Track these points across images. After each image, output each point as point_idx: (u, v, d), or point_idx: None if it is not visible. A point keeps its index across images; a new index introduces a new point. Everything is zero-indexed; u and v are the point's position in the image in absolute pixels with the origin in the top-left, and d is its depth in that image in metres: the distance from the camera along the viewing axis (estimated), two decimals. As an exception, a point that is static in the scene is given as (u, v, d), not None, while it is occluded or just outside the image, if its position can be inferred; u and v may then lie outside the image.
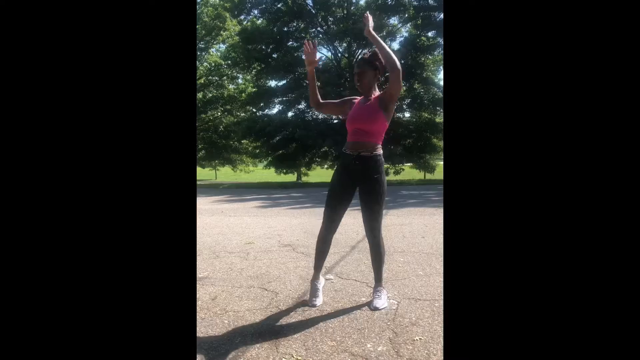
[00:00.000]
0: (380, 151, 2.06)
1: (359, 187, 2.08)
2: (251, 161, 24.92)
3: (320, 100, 2.19)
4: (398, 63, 1.93)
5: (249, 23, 17.79)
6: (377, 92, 2.10)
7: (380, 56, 1.99)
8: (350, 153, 2.05)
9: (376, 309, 2.05)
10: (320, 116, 18.06)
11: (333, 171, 2.17)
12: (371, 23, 2.01)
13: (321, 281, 2.25)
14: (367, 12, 2.08)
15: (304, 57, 2.12)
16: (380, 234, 2.14)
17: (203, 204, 8.03)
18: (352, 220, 5.35)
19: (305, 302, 2.17)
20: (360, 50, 16.98)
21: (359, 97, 2.14)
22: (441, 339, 1.69)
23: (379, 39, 1.97)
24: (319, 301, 2.12)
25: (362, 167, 2.02)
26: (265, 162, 19.84)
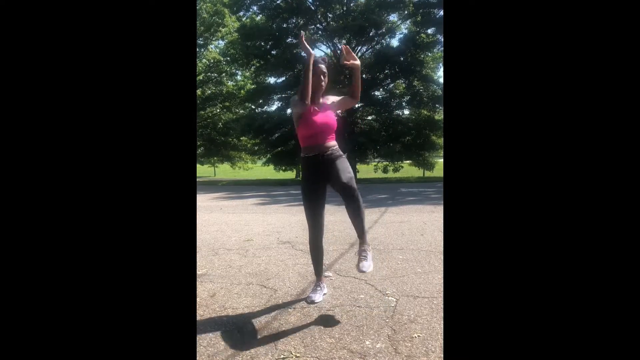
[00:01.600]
0: (337, 146, 2.12)
1: (329, 177, 2.02)
2: (250, 158, 24.87)
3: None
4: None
5: (248, 19, 17.72)
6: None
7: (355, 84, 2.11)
8: (313, 155, 2.05)
9: (362, 270, 1.95)
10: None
11: (301, 179, 2.15)
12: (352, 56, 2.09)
13: (324, 285, 2.24)
14: (344, 44, 2.18)
15: (303, 54, 2.13)
16: (354, 185, 1.98)
17: (202, 201, 8.03)
18: (349, 218, 5.31)
19: (304, 300, 2.17)
20: (359, 47, 16.95)
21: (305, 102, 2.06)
22: (439, 336, 1.70)
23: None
24: (317, 298, 2.12)
25: (329, 160, 2.03)
26: (264, 159, 19.82)
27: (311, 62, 2.02)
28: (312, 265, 2.23)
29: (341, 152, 2.10)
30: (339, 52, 17.75)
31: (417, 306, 2.06)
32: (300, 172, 2.20)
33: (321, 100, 2.13)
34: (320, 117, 2.06)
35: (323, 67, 2.08)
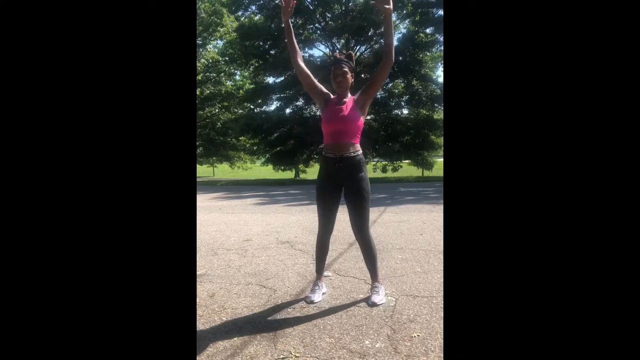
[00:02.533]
0: (360, 150, 2.09)
1: (344, 188, 2.09)
2: (249, 158, 24.84)
3: (302, 63, 2.09)
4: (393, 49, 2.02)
5: (246, 19, 17.70)
6: (349, 94, 2.11)
7: (388, 41, 2.02)
8: (332, 156, 2.05)
9: (374, 304, 2.05)
10: (319, 113, 18.01)
11: (317, 176, 2.15)
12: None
13: (323, 285, 2.25)
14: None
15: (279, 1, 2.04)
16: (369, 232, 2.14)
17: (201, 201, 8.02)
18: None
19: (304, 300, 2.17)
20: (358, 47, 16.94)
21: (333, 96, 2.12)
22: (439, 336, 1.70)
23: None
24: (316, 298, 2.12)
25: (346, 168, 2.03)
26: (263, 159, 19.79)
27: (286, 21, 2.03)
28: (311, 265, 2.24)
29: (361, 161, 2.06)
30: (337, 51, 17.77)
31: (417, 306, 2.06)
32: (319, 169, 2.18)
33: (347, 98, 2.08)
34: (337, 116, 2.03)
35: (342, 67, 2.05)
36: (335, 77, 2.07)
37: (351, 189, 2.06)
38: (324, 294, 2.20)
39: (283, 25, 2.06)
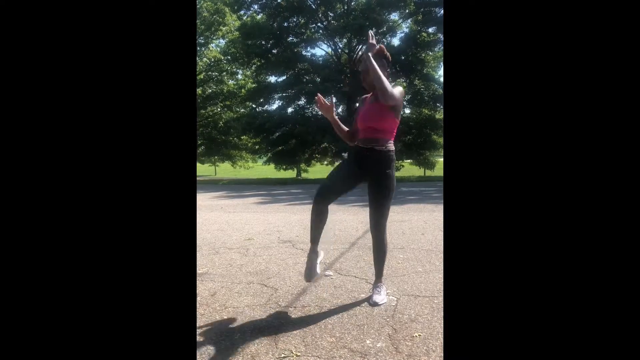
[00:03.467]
0: (392, 147, 2.05)
1: (368, 180, 2.05)
2: (251, 157, 24.85)
3: (350, 132, 2.15)
4: (387, 91, 1.88)
5: (248, 18, 17.69)
6: None
7: (379, 55, 2.04)
8: (362, 146, 2.03)
9: (376, 304, 2.05)
10: (320, 112, 18.00)
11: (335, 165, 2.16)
12: (373, 43, 2.03)
13: (319, 255, 2.11)
14: (371, 32, 2.11)
15: (318, 110, 2.14)
16: (385, 230, 2.12)
17: (202, 200, 8.03)
18: (352, 217, 5.37)
19: (305, 300, 2.17)
20: (360, 46, 16.91)
21: (367, 95, 2.13)
22: (440, 336, 1.70)
23: (375, 66, 1.92)
24: (313, 275, 2.06)
25: (374, 160, 2.00)
26: (264, 158, 19.80)
27: (334, 118, 2.09)
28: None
29: (391, 159, 2.01)
30: (339, 50, 17.75)
31: (418, 305, 2.05)
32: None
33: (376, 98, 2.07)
34: (363, 115, 2.05)
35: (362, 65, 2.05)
36: (361, 75, 2.07)
37: (376, 183, 2.02)
38: (320, 261, 2.10)
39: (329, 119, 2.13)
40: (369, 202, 2.09)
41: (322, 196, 2.05)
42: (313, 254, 2.09)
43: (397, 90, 1.97)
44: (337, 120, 2.12)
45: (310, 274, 2.08)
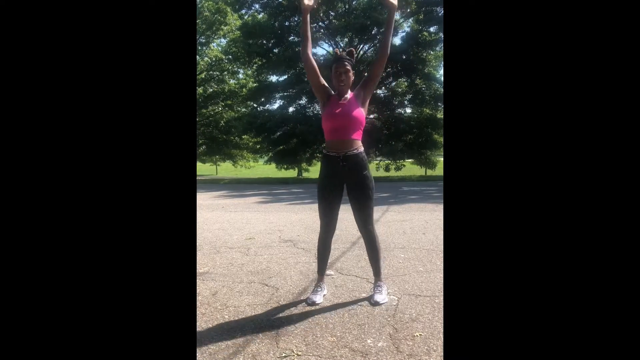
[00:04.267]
0: (362, 147, 2.08)
1: (347, 186, 2.08)
2: (252, 157, 24.88)
3: (311, 56, 2.09)
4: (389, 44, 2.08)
5: (250, 17, 17.69)
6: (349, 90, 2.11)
7: (387, 36, 2.08)
8: (335, 155, 2.03)
9: (377, 303, 2.05)
10: (320, 111, 17.96)
11: (319, 175, 2.14)
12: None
13: (324, 286, 2.24)
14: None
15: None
16: (374, 228, 2.13)
17: (204, 199, 8.03)
18: (352, 216, 5.31)
19: (305, 301, 2.17)
20: (361, 46, 16.90)
21: (334, 92, 2.12)
22: (441, 335, 1.70)
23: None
24: (317, 299, 2.12)
25: (350, 167, 2.02)
26: (266, 158, 19.80)
27: (306, 17, 2.04)
28: (313, 264, 2.24)
29: (363, 159, 2.05)
30: (340, 50, 17.73)
31: (419, 305, 2.05)
32: (320, 169, 2.17)
33: (348, 94, 2.08)
34: (340, 112, 2.02)
35: (345, 65, 2.06)
36: (338, 75, 2.06)
37: (356, 188, 2.05)
38: (324, 295, 2.20)
39: (302, 12, 2.06)
40: (351, 206, 2.10)
41: (328, 229, 2.15)
42: (319, 288, 2.20)
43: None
44: (308, 21, 2.06)
45: (315, 297, 2.13)
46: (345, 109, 2.02)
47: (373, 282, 2.23)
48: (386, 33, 2.08)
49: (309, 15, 2.05)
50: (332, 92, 2.12)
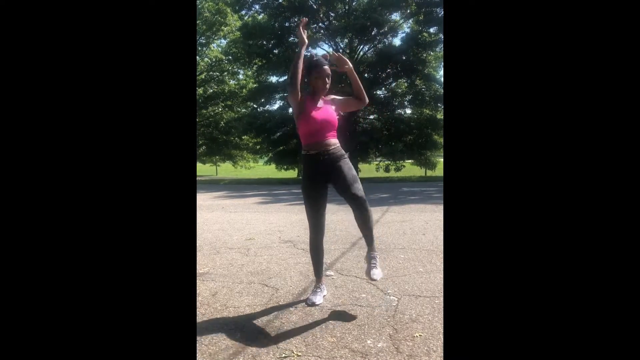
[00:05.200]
0: (338, 142, 2.11)
1: (331, 177, 2.04)
2: (252, 157, 24.88)
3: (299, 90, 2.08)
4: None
5: (250, 18, 17.69)
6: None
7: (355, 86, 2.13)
8: (315, 152, 2.04)
9: (374, 279, 2.01)
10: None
11: (302, 177, 2.13)
12: (347, 63, 2.10)
13: (324, 287, 2.24)
14: (339, 53, 2.15)
15: (297, 39, 2.10)
16: (363, 194, 2.01)
17: (204, 199, 8.03)
18: (351, 217, 5.32)
19: (305, 302, 2.17)
20: (361, 46, 16.91)
21: (307, 96, 2.11)
22: (441, 336, 1.70)
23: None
24: (317, 300, 2.11)
25: (331, 160, 2.04)
26: (265, 158, 19.80)
27: (302, 50, 2.05)
28: (312, 264, 2.23)
29: (343, 152, 2.10)
30: (340, 50, 17.73)
31: (419, 305, 2.05)
32: (302, 171, 2.19)
33: (322, 99, 2.13)
34: (320, 114, 2.06)
35: (328, 69, 2.07)
36: (324, 77, 2.06)
37: (341, 177, 2.01)
38: (324, 296, 2.20)
39: (299, 47, 2.07)
40: (339, 189, 2.02)
41: (318, 231, 2.14)
42: (318, 289, 2.19)
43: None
44: (302, 57, 2.05)
45: (314, 299, 2.13)
46: (323, 112, 2.07)
47: (366, 254, 2.12)
48: (356, 87, 2.12)
49: (304, 48, 2.06)
50: (306, 96, 2.11)
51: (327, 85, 2.09)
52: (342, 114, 2.17)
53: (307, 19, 2.17)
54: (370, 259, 2.08)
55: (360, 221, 2.03)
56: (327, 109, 2.09)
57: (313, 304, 2.08)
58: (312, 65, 2.08)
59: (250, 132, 18.27)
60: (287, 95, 2.15)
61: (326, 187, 2.11)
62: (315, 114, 2.05)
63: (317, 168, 2.05)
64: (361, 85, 2.13)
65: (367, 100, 2.16)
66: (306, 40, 2.08)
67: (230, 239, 3.95)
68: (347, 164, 2.06)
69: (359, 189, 2.00)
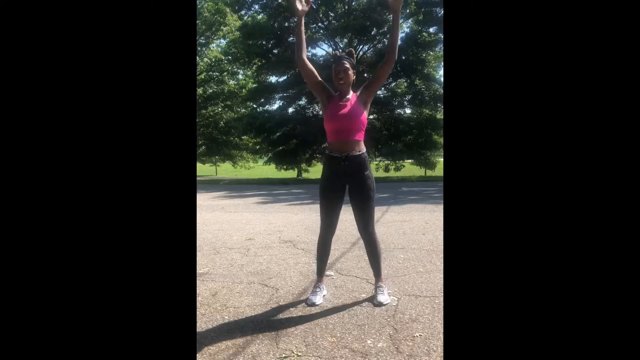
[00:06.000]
0: (364, 148, 2.08)
1: (349, 186, 2.08)
2: (251, 157, 24.86)
3: (306, 59, 2.06)
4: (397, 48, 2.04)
5: (249, 18, 17.69)
6: (351, 91, 2.09)
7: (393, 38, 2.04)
8: (337, 155, 2.03)
9: (380, 304, 2.05)
10: (321, 112, 17.97)
11: (321, 175, 2.14)
12: None
13: (323, 287, 2.24)
14: None
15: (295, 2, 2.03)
16: (374, 231, 2.14)
17: (203, 199, 8.03)
18: (352, 217, 5.32)
19: (305, 302, 2.17)
20: (360, 46, 16.90)
21: (335, 93, 2.11)
22: (441, 336, 1.70)
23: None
24: (317, 300, 2.12)
25: (352, 167, 2.02)
26: (265, 158, 19.79)
27: (301, 20, 2.01)
28: (313, 264, 2.24)
29: (367, 164, 2.06)
30: (339, 50, 17.74)
31: (419, 305, 2.05)
32: (322, 168, 2.17)
33: (349, 95, 2.08)
34: (342, 113, 2.02)
35: (344, 63, 2.05)
36: (337, 73, 2.05)
37: (357, 188, 2.05)
38: (324, 295, 2.20)
39: (296, 18, 2.02)
40: (352, 207, 2.10)
41: (329, 230, 2.14)
42: (318, 289, 2.19)
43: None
44: (302, 25, 2.03)
45: (314, 299, 2.13)
46: (347, 110, 2.01)
47: (374, 283, 2.23)
48: (394, 34, 2.04)
49: (303, 19, 2.03)
50: (333, 93, 2.11)
51: (342, 82, 2.04)
52: (366, 114, 2.06)
53: None
54: (377, 287, 2.17)
55: (370, 256, 2.18)
56: (352, 108, 2.01)
57: (313, 304, 2.08)
58: (331, 62, 2.08)
59: (249, 132, 18.25)
60: (297, 63, 2.08)
61: (344, 190, 2.10)
62: (337, 112, 2.02)
63: (337, 172, 2.05)
64: (398, 35, 2.03)
65: (396, 54, 2.02)
66: (300, 8, 2.00)
67: (230, 239, 3.95)
68: (367, 186, 2.03)
69: (371, 225, 2.09)
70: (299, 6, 2.02)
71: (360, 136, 2.05)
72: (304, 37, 2.05)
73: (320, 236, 2.18)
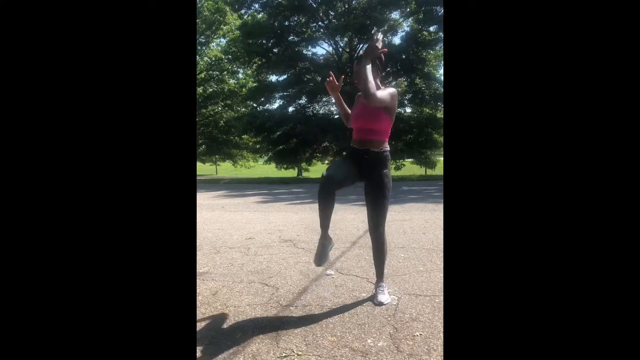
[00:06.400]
0: (387, 147, 2.07)
1: (365, 181, 2.07)
2: (252, 156, 24.87)
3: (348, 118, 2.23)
4: (369, 93, 1.85)
5: (249, 17, 17.67)
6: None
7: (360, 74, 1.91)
8: (358, 148, 2.06)
9: (381, 303, 2.05)
10: (321, 111, 17.95)
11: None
12: (379, 43, 1.97)
13: (329, 243, 2.10)
14: (379, 34, 2.06)
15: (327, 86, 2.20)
16: (384, 230, 2.13)
17: (203, 199, 8.03)
18: (353, 216, 5.34)
19: (306, 300, 2.17)
20: (361, 46, 16.88)
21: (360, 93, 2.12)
22: (441, 335, 1.70)
23: (363, 67, 1.88)
24: (324, 260, 2.08)
25: (370, 161, 2.03)
26: (265, 158, 19.79)
27: (336, 96, 2.22)
28: (313, 264, 2.23)
29: (387, 159, 2.05)
30: (340, 49, 17.73)
31: (419, 304, 2.05)
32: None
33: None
34: (361, 113, 2.06)
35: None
36: (354, 77, 2.07)
37: (373, 184, 2.04)
38: (333, 245, 2.14)
39: (333, 100, 2.21)
40: (366, 203, 2.09)
41: (328, 184, 2.00)
42: (325, 240, 2.09)
43: (387, 92, 1.97)
44: (341, 99, 2.21)
45: (321, 259, 2.08)
46: (367, 112, 2.01)
47: (374, 282, 2.23)
48: (358, 80, 1.91)
49: (339, 93, 2.19)
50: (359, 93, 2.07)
51: (356, 81, 1.96)
52: (390, 118, 2.03)
53: (331, 77, 2.19)
54: (377, 287, 2.17)
55: (376, 256, 2.17)
56: (369, 111, 1.99)
57: (319, 264, 2.10)
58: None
59: (249, 131, 18.26)
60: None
61: (357, 176, 2.06)
62: (355, 113, 2.10)
63: (357, 162, 2.06)
64: (364, 80, 1.85)
65: (367, 100, 1.88)
66: (334, 88, 2.18)
67: (230, 238, 3.95)
68: (383, 184, 2.02)
69: (382, 225, 2.09)
70: (331, 89, 2.19)
71: (383, 137, 2.05)
72: (346, 107, 2.27)
73: (321, 189, 1.99)
